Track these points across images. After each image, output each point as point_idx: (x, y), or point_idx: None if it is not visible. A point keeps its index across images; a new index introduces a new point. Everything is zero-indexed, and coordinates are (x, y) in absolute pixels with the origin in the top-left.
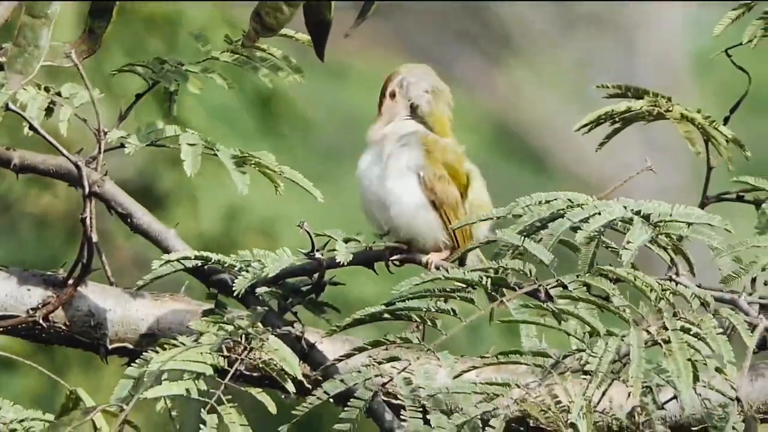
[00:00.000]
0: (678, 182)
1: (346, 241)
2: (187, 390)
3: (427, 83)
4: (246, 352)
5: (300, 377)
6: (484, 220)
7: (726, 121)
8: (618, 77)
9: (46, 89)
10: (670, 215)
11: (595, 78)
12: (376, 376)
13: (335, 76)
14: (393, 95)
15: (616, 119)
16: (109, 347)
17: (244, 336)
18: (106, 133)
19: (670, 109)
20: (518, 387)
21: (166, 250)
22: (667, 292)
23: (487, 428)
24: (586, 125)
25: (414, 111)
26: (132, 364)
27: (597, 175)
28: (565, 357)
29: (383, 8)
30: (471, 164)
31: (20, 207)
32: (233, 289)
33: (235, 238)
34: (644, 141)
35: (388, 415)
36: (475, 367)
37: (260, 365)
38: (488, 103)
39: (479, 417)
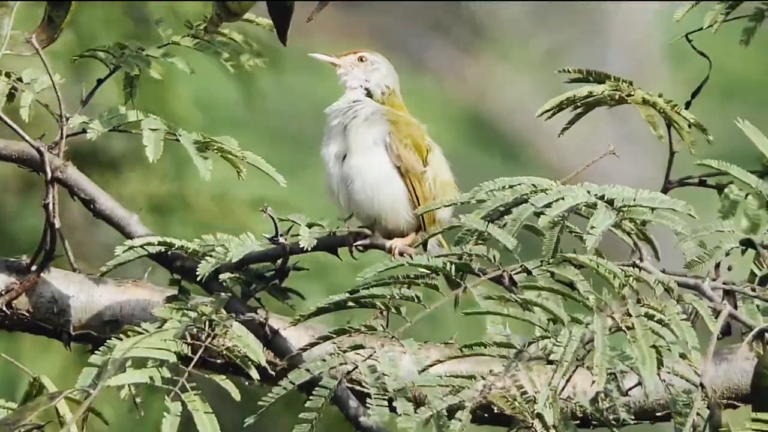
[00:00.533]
0: (655, 174)
1: (310, 226)
2: (151, 377)
3: (392, 81)
4: (210, 338)
5: (264, 364)
6: (448, 205)
7: (688, 105)
8: (590, 66)
9: (7, 75)
10: (634, 200)
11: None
12: (341, 364)
13: (305, 67)
14: (362, 59)
15: (578, 104)
16: (73, 334)
17: (207, 322)
18: (68, 119)
19: (632, 93)
20: (483, 378)
21: (129, 236)
22: (631, 278)
23: (453, 420)
24: (548, 110)
25: (367, 93)
26: (95, 351)
27: (569, 165)
28: (529, 344)
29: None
30: (432, 141)
31: None
32: (197, 274)
33: (186, 199)
34: (621, 133)
35: (353, 403)
36: (440, 361)
37: (224, 352)
38: (460, 93)
39: (445, 409)
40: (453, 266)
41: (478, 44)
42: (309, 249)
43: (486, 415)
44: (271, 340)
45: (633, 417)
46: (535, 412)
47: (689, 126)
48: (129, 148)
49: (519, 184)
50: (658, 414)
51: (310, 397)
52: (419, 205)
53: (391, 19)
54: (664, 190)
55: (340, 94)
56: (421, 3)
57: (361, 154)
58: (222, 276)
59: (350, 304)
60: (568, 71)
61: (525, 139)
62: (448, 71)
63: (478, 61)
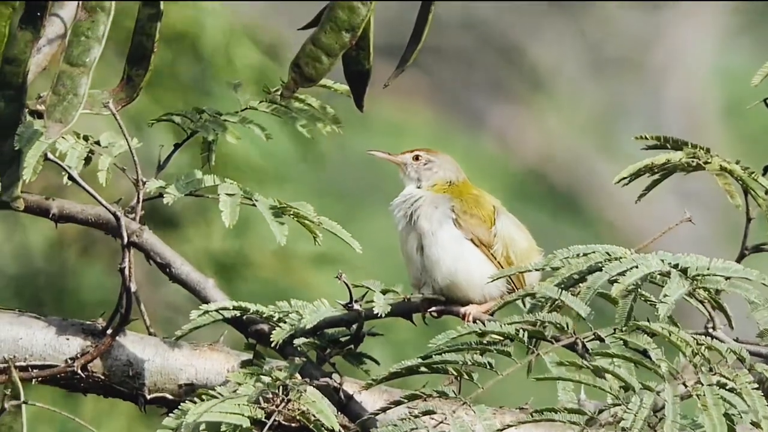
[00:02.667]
0: (709, 232)
1: (384, 292)
2: None
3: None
4: (284, 403)
5: (337, 429)
6: (522, 271)
7: (765, 171)
8: (646, 122)
9: (85, 138)
10: (708, 269)
11: (624, 123)
12: (412, 429)
13: (361, 124)
14: (417, 158)
15: (656, 171)
16: (148, 397)
17: (282, 387)
18: (144, 183)
19: (709, 160)
20: None
21: (205, 300)
22: (703, 347)
23: None
24: (625, 177)
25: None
26: (170, 414)
27: (628, 221)
28: (600, 412)
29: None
30: (501, 207)
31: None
32: (271, 340)
33: (247, 257)
34: (673, 187)
35: None
36: (508, 426)
37: (298, 416)
38: (520, 151)
39: None
40: (526, 333)
41: (538, 99)
42: (384, 315)
43: None
44: (345, 405)
45: None
46: None
47: (766, 193)
48: (188, 205)
49: (593, 252)
50: None
51: None
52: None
53: (452, 76)
54: (740, 256)
55: (387, 147)
56: (481, 59)
57: (431, 234)
58: (297, 341)
59: (423, 369)
60: (645, 137)
61: (583, 196)
62: (507, 128)
63: (537, 117)
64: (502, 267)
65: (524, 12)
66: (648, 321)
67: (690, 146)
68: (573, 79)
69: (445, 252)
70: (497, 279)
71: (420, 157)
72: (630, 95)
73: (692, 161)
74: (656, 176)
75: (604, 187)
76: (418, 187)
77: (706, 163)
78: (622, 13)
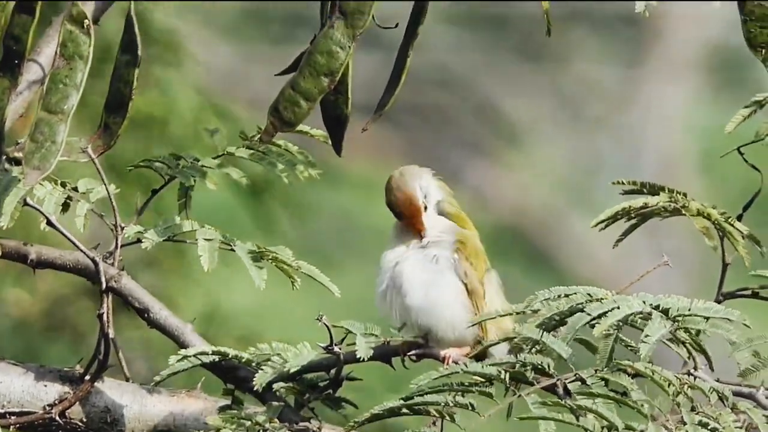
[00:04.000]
0: (686, 287)
1: (364, 335)
2: None
3: (437, 193)
4: None
5: None
6: (504, 315)
7: (740, 217)
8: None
9: (63, 184)
10: (689, 310)
11: (600, 178)
12: None
13: (331, 179)
14: (425, 208)
15: (633, 215)
16: None
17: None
18: (123, 228)
19: (687, 204)
20: None
21: (183, 345)
22: (686, 386)
23: None
24: (603, 221)
25: (437, 205)
26: None
27: (605, 278)
28: None
29: (389, 112)
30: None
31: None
32: (252, 384)
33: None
34: (651, 246)
35: None
36: None
37: None
38: (496, 207)
39: None
40: (507, 374)
41: (513, 155)
42: (366, 359)
43: None
44: None
45: None
46: None
47: (743, 237)
48: (153, 287)
49: (574, 293)
50: None
51: None
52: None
53: (425, 133)
54: (717, 302)
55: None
56: (457, 116)
57: (423, 268)
58: (276, 386)
59: (404, 411)
60: (621, 182)
61: (560, 251)
62: (483, 184)
63: (513, 173)
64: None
65: (501, 69)
66: (630, 361)
67: (667, 191)
68: (549, 135)
69: (439, 295)
70: (479, 323)
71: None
72: (606, 151)
73: (669, 205)
74: (633, 221)
75: (580, 243)
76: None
77: (683, 207)
78: (599, 70)
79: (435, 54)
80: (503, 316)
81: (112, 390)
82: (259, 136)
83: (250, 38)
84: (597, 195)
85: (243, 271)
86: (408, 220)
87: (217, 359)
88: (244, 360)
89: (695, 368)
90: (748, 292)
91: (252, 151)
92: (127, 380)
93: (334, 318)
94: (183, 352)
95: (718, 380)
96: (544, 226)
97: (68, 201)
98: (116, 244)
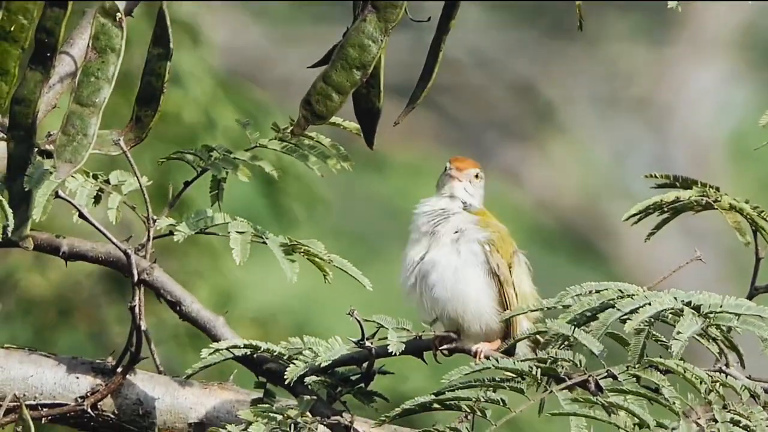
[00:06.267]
0: (717, 273)
1: (396, 329)
2: None
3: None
4: None
5: None
6: (534, 310)
7: None
8: (653, 159)
9: (95, 177)
10: (721, 306)
11: (632, 160)
12: None
13: (372, 166)
14: (477, 176)
15: (665, 209)
16: None
17: (293, 425)
18: (155, 221)
19: (719, 199)
20: None
21: (215, 338)
22: (717, 383)
23: None
24: (635, 215)
25: (464, 206)
26: None
27: (636, 264)
28: None
29: (426, 97)
30: (517, 248)
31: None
32: (284, 377)
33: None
34: (681, 229)
35: None
36: None
37: None
38: (530, 188)
39: None
40: (539, 370)
41: (547, 138)
42: (397, 353)
43: None
44: None
45: None
46: None
47: None
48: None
49: (605, 289)
50: None
51: None
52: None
53: (461, 114)
54: (750, 296)
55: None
56: (494, 97)
57: (454, 259)
58: (308, 379)
59: (435, 405)
60: (654, 176)
61: (591, 236)
62: (517, 166)
63: (547, 156)
64: (507, 307)
65: (533, 50)
66: (661, 358)
67: (700, 185)
68: (582, 115)
69: (467, 286)
70: (512, 316)
71: (479, 176)
72: (638, 131)
73: (701, 200)
74: (666, 215)
75: (614, 227)
76: (464, 208)
77: (716, 201)
78: (631, 49)
79: (468, 34)
80: (534, 311)
81: (144, 382)
82: (291, 128)
83: (282, 19)
84: (630, 177)
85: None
86: (460, 165)
87: (248, 352)
88: (276, 353)
89: (727, 365)
90: None
91: (284, 143)
92: (159, 372)
93: (374, 308)
94: (215, 345)
95: (749, 377)
96: (580, 208)
97: (100, 193)
98: (148, 236)
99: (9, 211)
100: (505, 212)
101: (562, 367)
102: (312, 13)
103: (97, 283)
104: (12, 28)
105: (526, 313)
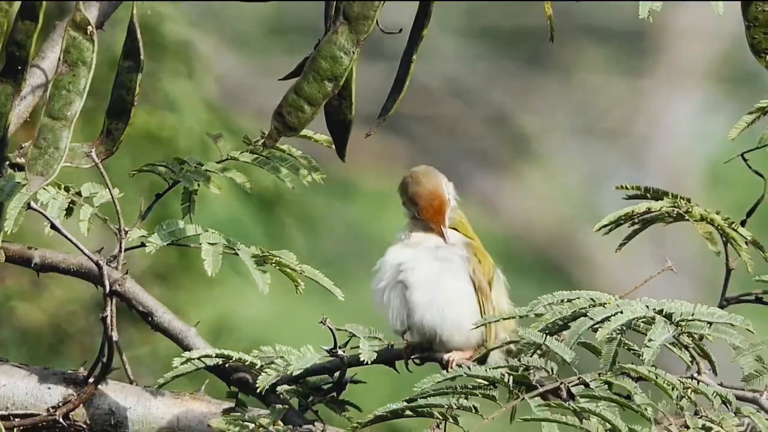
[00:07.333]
0: (691, 295)
1: (368, 339)
2: None
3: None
4: None
5: None
6: (507, 318)
7: (743, 223)
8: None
9: (66, 189)
10: (692, 315)
11: (608, 189)
12: None
13: (342, 191)
14: (449, 201)
15: (636, 220)
16: None
17: None
18: (126, 232)
19: (690, 210)
20: None
21: (187, 348)
22: (689, 390)
23: None
24: (606, 225)
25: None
26: None
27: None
28: None
29: (399, 123)
30: (495, 266)
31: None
32: (256, 386)
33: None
34: (659, 257)
35: None
36: None
37: None
38: (506, 218)
39: None
40: (511, 378)
41: (522, 167)
42: (369, 362)
43: None
44: None
45: None
46: None
47: (746, 243)
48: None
49: (577, 298)
50: None
51: None
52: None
53: (436, 143)
54: (720, 307)
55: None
56: (465, 125)
57: (431, 267)
58: (280, 388)
59: (407, 413)
60: (626, 187)
61: (566, 262)
62: (492, 195)
63: (522, 185)
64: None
65: (510, 80)
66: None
67: (671, 196)
68: (557, 146)
69: (448, 293)
70: (483, 325)
71: (451, 201)
72: (614, 162)
73: (673, 211)
74: (637, 226)
75: (589, 255)
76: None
77: (687, 212)
78: (607, 81)
79: (445, 65)
80: (507, 319)
81: (116, 392)
82: (262, 140)
83: (260, 49)
84: (605, 205)
85: (252, 282)
86: (432, 216)
87: (220, 362)
88: (247, 363)
89: (699, 372)
90: (752, 297)
91: (255, 156)
92: (131, 383)
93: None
94: (187, 354)
95: (721, 384)
96: (555, 237)
97: (71, 205)
98: (120, 247)
99: None
100: (480, 240)
101: (534, 375)
102: (287, 43)
103: (90, 313)
104: None
105: (499, 321)
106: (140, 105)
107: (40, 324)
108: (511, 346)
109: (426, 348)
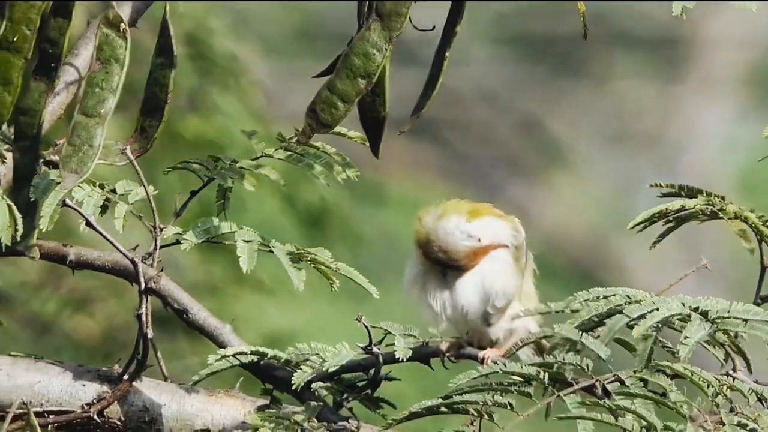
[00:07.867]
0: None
1: (403, 336)
2: None
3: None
4: None
5: None
6: (543, 313)
7: None
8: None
9: (101, 186)
10: (728, 312)
11: (640, 196)
12: None
13: (375, 198)
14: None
15: (670, 218)
16: None
17: (299, 430)
18: (162, 230)
19: (724, 207)
20: None
21: (222, 345)
22: (725, 387)
23: None
24: (640, 223)
25: None
26: None
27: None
28: None
29: (431, 129)
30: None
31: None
32: (291, 383)
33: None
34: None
35: None
36: None
37: None
38: (539, 226)
39: None
40: (546, 374)
41: (555, 174)
42: (405, 359)
43: None
44: None
45: None
46: None
47: None
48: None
49: (613, 295)
50: None
51: None
52: None
53: (468, 149)
54: (755, 305)
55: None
56: (499, 131)
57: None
58: (315, 385)
59: (443, 409)
60: (660, 185)
61: (599, 269)
62: (524, 201)
63: (554, 192)
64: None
65: (542, 87)
66: (669, 362)
67: (705, 194)
68: (589, 153)
69: (492, 268)
70: (524, 317)
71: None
72: (646, 169)
73: (707, 208)
74: (671, 224)
75: (621, 261)
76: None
77: (721, 210)
78: (639, 88)
79: (477, 71)
80: (544, 313)
81: (150, 389)
82: (296, 137)
83: (290, 55)
84: (636, 212)
85: (300, 296)
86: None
87: (255, 359)
88: (282, 360)
89: (734, 370)
90: None
91: (289, 153)
92: (166, 380)
93: (375, 336)
94: (222, 351)
95: (756, 382)
96: (586, 243)
97: (106, 203)
98: (155, 245)
99: (19, 217)
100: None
101: (569, 372)
102: (316, 49)
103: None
104: (15, 39)
105: (534, 315)
106: (191, 113)
107: (94, 333)
108: (543, 341)
109: (462, 345)
